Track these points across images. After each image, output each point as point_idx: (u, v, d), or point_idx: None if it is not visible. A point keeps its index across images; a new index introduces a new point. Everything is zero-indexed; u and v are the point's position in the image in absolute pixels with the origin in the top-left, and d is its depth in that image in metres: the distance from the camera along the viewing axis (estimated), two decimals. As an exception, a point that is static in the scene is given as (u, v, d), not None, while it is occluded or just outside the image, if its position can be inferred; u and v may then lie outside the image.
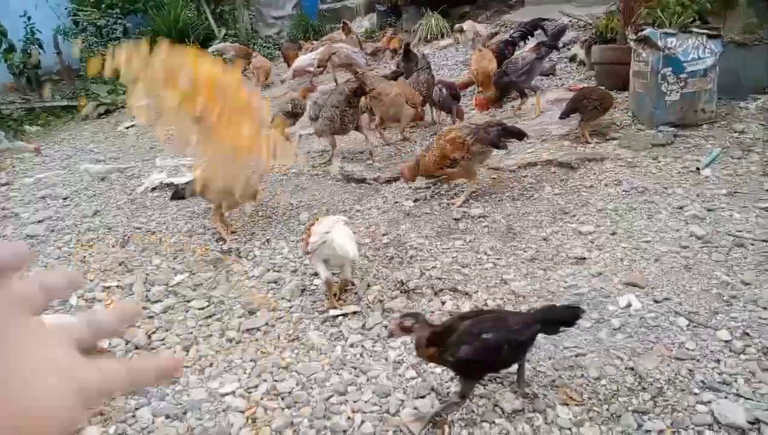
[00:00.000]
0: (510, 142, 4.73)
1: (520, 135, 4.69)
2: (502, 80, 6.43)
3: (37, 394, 0.54)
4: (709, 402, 2.52)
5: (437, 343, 2.41)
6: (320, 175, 5.69)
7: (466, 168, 4.61)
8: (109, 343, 3.36)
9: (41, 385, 0.55)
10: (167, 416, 2.74)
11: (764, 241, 3.70)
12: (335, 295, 3.57)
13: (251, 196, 4.51)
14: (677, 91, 5.47)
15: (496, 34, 8.96)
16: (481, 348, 2.38)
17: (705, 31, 5.40)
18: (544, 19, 7.94)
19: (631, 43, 5.74)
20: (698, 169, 4.79)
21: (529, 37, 7.71)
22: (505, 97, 6.97)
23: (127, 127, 8.51)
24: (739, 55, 5.75)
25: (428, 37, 11.97)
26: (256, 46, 13.02)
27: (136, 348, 3.31)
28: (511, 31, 8.16)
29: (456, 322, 2.49)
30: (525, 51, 6.75)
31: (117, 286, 4.02)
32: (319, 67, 9.18)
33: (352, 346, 3.16)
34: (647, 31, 5.49)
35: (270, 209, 5.02)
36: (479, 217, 4.47)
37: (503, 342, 2.41)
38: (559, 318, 2.62)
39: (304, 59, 9.12)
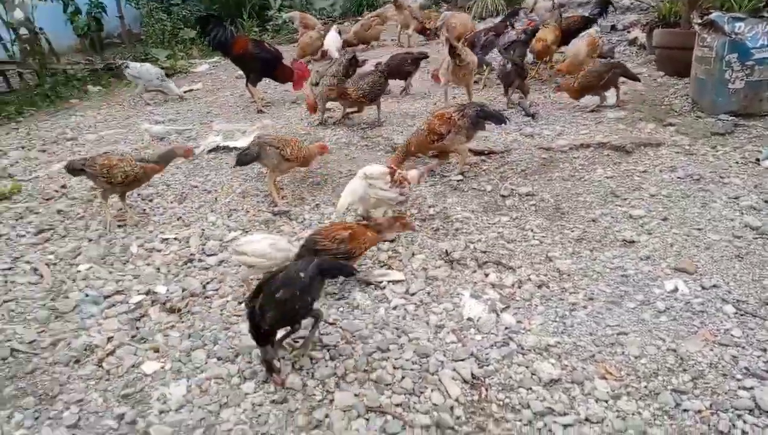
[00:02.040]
0: (488, 124, 4.90)
1: (497, 119, 4.88)
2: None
3: None
4: (752, 388, 2.51)
5: None
6: (369, 146, 5.76)
7: (453, 142, 4.74)
8: (167, 289, 3.56)
9: None
10: (219, 358, 2.92)
11: (823, 235, 3.60)
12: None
13: (303, 161, 4.65)
14: (742, 79, 5.29)
15: (563, 5, 8.86)
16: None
17: (778, 17, 5.18)
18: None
19: (696, 27, 5.56)
20: (758, 160, 4.66)
21: (604, 14, 7.81)
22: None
23: (186, 91, 8.76)
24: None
25: (483, 15, 11.82)
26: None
27: (192, 295, 3.50)
28: (589, 8, 8.21)
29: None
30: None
31: (174, 239, 4.22)
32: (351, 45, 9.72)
33: (395, 308, 3.26)
34: (714, 14, 5.31)
35: (321, 175, 5.14)
36: (527, 195, 4.48)
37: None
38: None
39: (333, 39, 9.38)
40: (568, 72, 6.54)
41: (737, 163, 4.69)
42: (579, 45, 6.89)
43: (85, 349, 3.07)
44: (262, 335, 2.66)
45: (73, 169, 4.58)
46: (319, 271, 2.76)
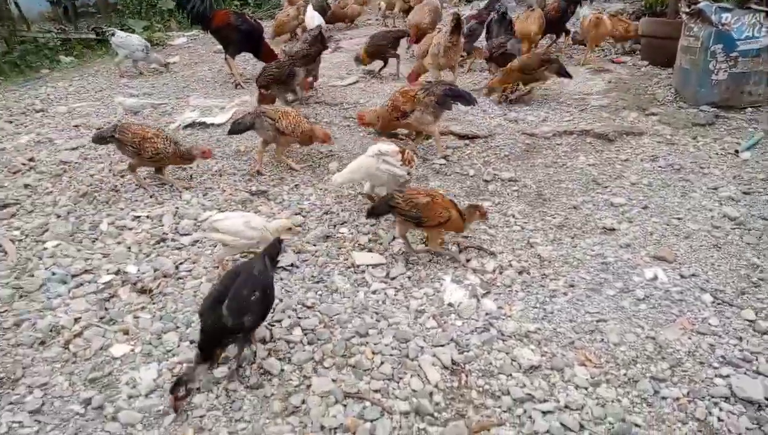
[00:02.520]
0: (455, 104, 4.82)
1: (466, 99, 4.75)
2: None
3: None
4: (728, 376, 2.52)
5: None
6: (351, 127, 5.65)
7: (419, 120, 4.68)
8: (138, 269, 3.45)
9: None
10: (191, 341, 2.82)
11: (800, 227, 3.63)
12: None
13: (303, 139, 4.60)
14: (725, 71, 5.30)
15: None
16: None
17: (765, 8, 5.17)
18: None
19: (683, 16, 5.54)
20: (737, 151, 4.68)
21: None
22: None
23: (165, 65, 8.50)
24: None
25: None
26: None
27: (164, 276, 3.39)
28: None
29: None
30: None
31: (147, 217, 4.09)
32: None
33: (374, 292, 3.20)
34: (702, 3, 5.29)
35: (300, 156, 5.02)
36: (509, 181, 4.44)
37: None
38: None
39: (312, 16, 9.06)
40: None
41: (717, 154, 4.71)
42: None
43: (51, 330, 2.95)
44: (217, 346, 2.50)
45: (101, 139, 4.50)
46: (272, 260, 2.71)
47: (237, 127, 4.64)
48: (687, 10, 5.47)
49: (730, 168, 4.46)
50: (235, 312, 2.41)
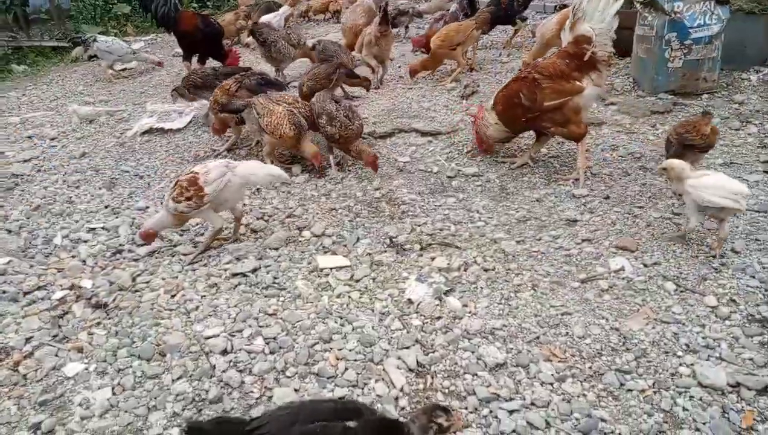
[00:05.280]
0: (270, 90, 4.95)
1: (278, 86, 5.13)
2: None
3: None
4: (692, 364, 2.53)
5: None
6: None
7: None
8: (93, 283, 3.32)
9: None
10: (147, 359, 2.72)
11: (756, 211, 3.69)
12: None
13: (285, 143, 4.56)
14: (680, 58, 5.37)
15: None
16: None
17: (714, -5, 5.26)
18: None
19: (637, 6, 5.59)
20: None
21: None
22: None
23: (119, 70, 8.27)
24: (745, 25, 5.62)
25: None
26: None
27: (120, 289, 3.27)
28: None
29: None
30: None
31: (102, 228, 3.95)
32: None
33: (339, 296, 3.14)
34: (655, -7, 5.35)
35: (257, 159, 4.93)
36: (473, 176, 4.42)
37: None
38: None
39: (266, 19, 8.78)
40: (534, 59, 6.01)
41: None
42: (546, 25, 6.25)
43: (0, 353, 2.81)
44: None
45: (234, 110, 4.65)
46: None
47: (230, 106, 4.68)
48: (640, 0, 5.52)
49: (689, 155, 4.51)
50: None
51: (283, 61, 6.77)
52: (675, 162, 3.34)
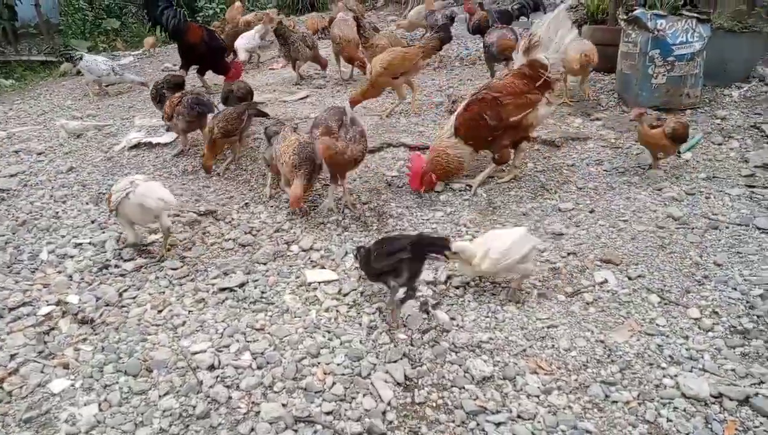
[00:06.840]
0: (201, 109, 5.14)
1: (207, 107, 5.20)
2: None
3: None
4: (676, 376, 2.56)
5: None
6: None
7: (175, 126, 5.26)
8: (80, 299, 3.31)
9: None
10: (134, 374, 2.70)
11: (738, 224, 3.75)
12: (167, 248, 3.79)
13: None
14: (664, 75, 5.48)
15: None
16: None
17: (695, 14, 5.39)
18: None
19: (621, 23, 5.71)
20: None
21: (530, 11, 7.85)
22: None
23: (107, 86, 8.26)
24: (726, 42, 5.75)
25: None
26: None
27: (107, 305, 3.26)
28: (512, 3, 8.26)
29: None
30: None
31: (89, 243, 3.94)
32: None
33: (327, 310, 3.15)
34: (638, 11, 5.47)
35: (249, 173, 4.94)
36: (460, 191, 4.46)
37: None
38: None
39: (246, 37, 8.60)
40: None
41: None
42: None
43: (-17, 370, 2.79)
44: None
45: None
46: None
47: (266, 133, 4.63)
48: (624, 17, 5.64)
49: (672, 168, 4.59)
50: None
51: (298, 59, 7.52)
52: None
